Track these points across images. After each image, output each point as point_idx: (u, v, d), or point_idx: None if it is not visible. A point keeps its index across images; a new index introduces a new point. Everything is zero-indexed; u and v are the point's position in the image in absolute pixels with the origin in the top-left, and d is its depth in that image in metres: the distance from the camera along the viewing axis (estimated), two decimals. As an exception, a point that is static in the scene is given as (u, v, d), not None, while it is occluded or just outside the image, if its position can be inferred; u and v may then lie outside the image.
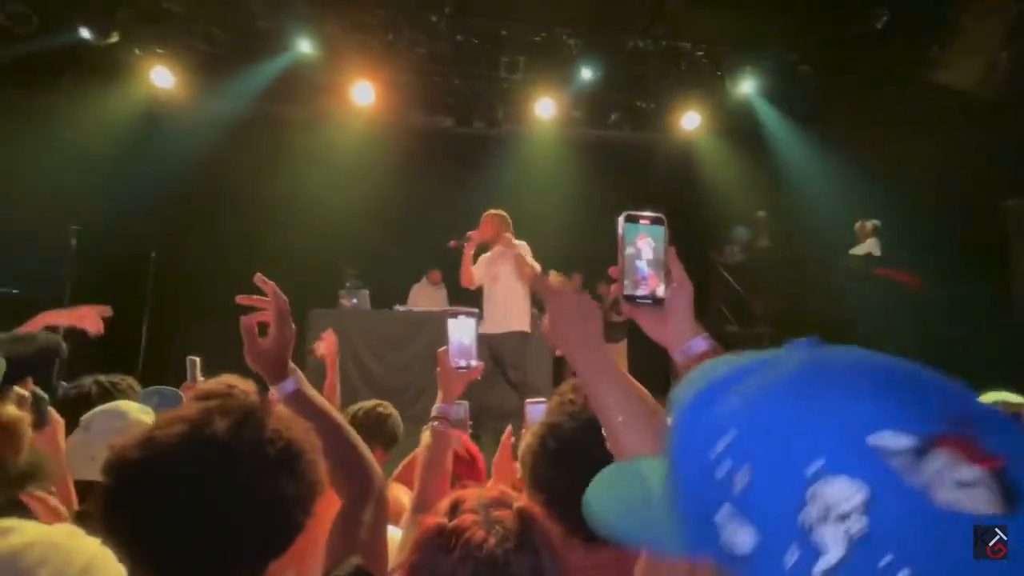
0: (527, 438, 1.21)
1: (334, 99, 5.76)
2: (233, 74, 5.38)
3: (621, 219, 0.80)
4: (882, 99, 4.91)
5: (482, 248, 4.00)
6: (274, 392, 0.93)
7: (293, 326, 0.93)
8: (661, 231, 0.80)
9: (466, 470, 1.64)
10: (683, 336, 0.77)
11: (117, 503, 0.64)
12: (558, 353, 0.80)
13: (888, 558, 0.26)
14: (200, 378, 2.06)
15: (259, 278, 0.91)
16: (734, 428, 0.33)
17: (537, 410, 1.65)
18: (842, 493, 0.28)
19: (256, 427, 0.69)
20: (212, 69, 5.39)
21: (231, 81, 5.43)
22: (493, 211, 3.95)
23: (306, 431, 0.75)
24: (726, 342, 0.78)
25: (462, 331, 1.26)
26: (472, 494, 0.80)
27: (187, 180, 5.83)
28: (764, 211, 6.40)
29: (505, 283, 3.88)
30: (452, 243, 3.86)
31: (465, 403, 1.78)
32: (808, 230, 5.57)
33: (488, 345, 3.79)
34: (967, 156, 4.18)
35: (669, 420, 0.39)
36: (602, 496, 0.43)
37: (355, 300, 5.29)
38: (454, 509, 0.78)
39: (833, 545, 0.28)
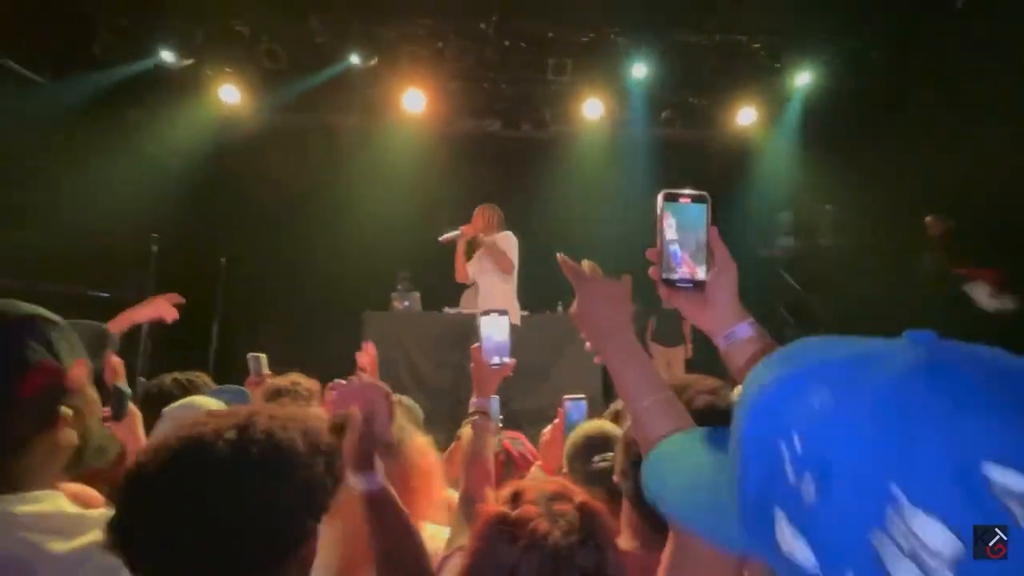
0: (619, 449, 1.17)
1: (386, 108, 5.96)
2: (293, 88, 5.69)
3: (660, 197, 0.74)
4: (962, 84, 4.53)
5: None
6: (356, 481, 0.88)
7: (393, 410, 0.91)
8: (703, 210, 0.74)
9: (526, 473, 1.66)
10: (726, 321, 0.73)
11: (122, 508, 0.66)
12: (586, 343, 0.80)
13: None
14: (265, 372, 2.19)
15: (360, 369, 0.89)
16: (819, 428, 0.28)
17: (579, 407, 1.64)
18: (934, 533, 0.23)
19: (249, 431, 0.68)
20: (274, 84, 5.71)
21: (291, 95, 5.74)
22: (485, 205, 3.99)
23: (316, 433, 0.72)
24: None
25: (494, 329, 1.28)
26: (532, 486, 0.80)
27: (252, 189, 6.21)
28: (830, 206, 6.06)
29: (490, 276, 3.90)
30: (443, 239, 3.84)
31: (496, 398, 1.80)
32: (877, 225, 5.22)
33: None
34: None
35: (741, 394, 0.34)
36: (662, 476, 0.42)
37: (407, 303, 5.44)
38: (515, 499, 0.78)
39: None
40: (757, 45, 5.51)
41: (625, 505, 1.01)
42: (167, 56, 5.32)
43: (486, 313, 1.30)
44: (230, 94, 5.75)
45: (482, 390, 1.29)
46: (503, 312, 1.31)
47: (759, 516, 0.31)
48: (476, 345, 1.29)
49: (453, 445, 1.80)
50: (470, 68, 5.57)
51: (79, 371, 0.79)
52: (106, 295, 5.08)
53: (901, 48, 5.06)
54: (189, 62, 5.45)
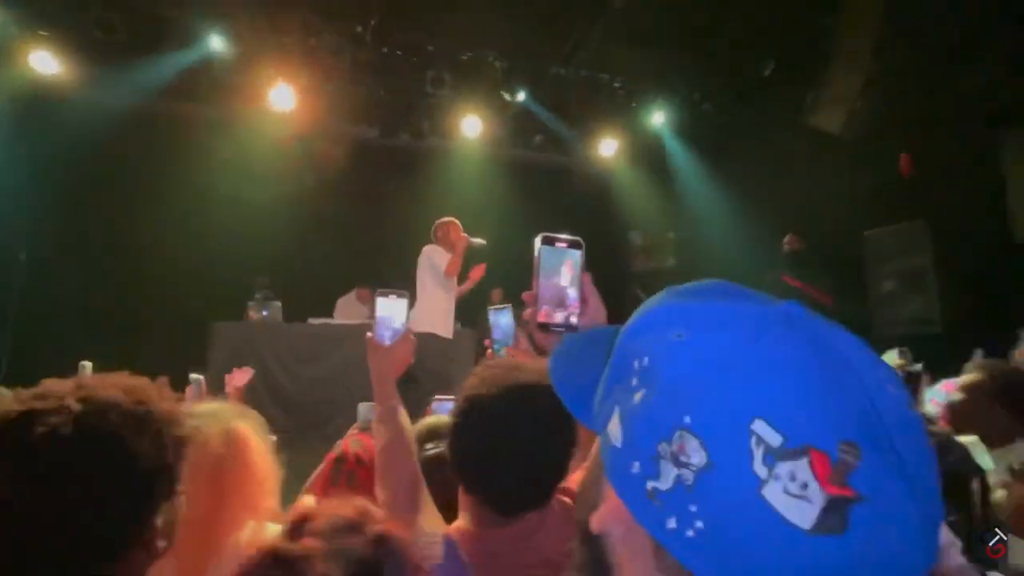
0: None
1: (249, 101, 5.48)
2: (132, 65, 4.96)
3: (538, 241, 0.77)
4: (771, 137, 5.52)
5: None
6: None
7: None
8: (578, 255, 0.77)
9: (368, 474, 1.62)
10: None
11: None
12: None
13: (693, 508, 0.32)
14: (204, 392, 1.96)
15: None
16: (661, 356, 0.36)
17: (445, 407, 1.67)
18: (693, 450, 0.32)
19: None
20: (107, 58, 4.94)
21: (130, 73, 4.99)
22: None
23: None
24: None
25: (391, 310, 1.14)
26: (325, 511, 0.70)
27: (72, 173, 5.28)
28: (672, 233, 6.93)
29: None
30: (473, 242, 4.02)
31: (371, 404, 1.75)
32: (714, 250, 6.06)
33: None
34: (835, 190, 4.80)
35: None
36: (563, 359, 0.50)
37: (265, 312, 5.02)
38: (296, 530, 0.67)
39: (665, 478, 0.33)
40: (617, 85, 6.14)
41: (461, 490, 1.03)
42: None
43: (383, 294, 1.13)
44: (46, 63, 4.84)
45: (380, 390, 1.06)
46: (402, 293, 1.14)
47: (604, 403, 0.40)
48: (369, 335, 1.10)
49: (321, 467, 1.71)
50: (346, 70, 5.38)
51: None
52: None
53: (727, 103, 6.02)
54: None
